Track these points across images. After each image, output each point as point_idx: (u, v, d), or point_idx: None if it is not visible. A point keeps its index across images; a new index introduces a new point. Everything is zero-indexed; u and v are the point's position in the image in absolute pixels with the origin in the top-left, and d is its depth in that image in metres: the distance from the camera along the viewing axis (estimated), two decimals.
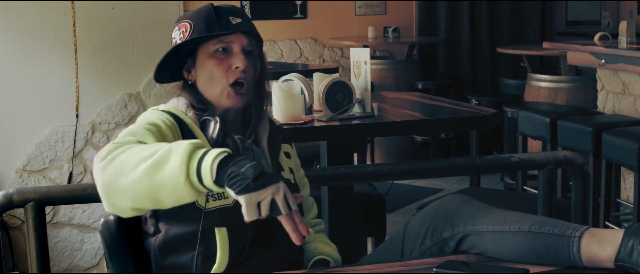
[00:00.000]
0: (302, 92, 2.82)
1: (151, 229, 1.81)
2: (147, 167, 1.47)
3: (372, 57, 6.92)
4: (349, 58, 4.49)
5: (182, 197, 1.48)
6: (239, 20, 1.82)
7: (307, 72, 3.68)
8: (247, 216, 1.45)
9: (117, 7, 3.73)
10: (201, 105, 1.83)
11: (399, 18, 7.24)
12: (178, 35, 1.84)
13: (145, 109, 3.80)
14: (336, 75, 2.94)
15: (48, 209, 3.61)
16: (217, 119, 1.79)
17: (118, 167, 1.50)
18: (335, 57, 7.13)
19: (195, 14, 1.84)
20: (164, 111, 1.81)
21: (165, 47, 1.90)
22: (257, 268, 1.76)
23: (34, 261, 2.11)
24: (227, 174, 1.44)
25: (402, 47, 7.10)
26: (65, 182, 3.77)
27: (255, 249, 1.77)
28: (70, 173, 3.78)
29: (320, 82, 2.82)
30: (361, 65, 2.90)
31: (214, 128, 1.79)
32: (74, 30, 3.69)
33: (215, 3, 1.88)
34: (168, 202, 1.50)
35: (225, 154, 1.47)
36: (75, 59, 3.68)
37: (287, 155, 1.98)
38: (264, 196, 1.44)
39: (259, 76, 1.87)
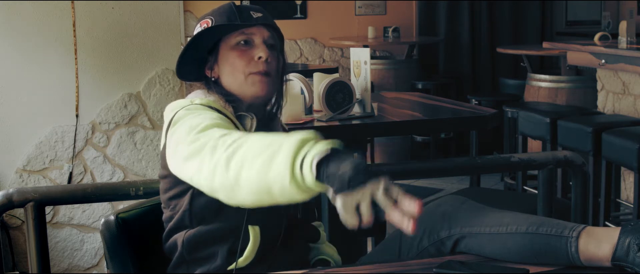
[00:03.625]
0: (302, 92, 2.82)
1: (182, 223, 1.78)
2: (262, 163, 1.38)
3: (372, 57, 6.92)
4: (349, 58, 4.49)
5: (293, 196, 1.38)
6: (259, 14, 1.83)
7: (307, 72, 3.68)
8: (346, 221, 1.32)
9: (117, 7, 3.73)
10: (231, 98, 1.81)
11: (399, 18, 7.23)
12: (199, 31, 1.84)
13: (145, 109, 3.80)
14: (336, 75, 2.94)
15: (48, 209, 3.61)
16: (253, 115, 1.79)
17: (242, 157, 1.41)
18: (335, 57, 7.13)
19: (217, 10, 1.85)
20: (207, 106, 1.74)
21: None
22: (274, 267, 1.76)
23: (34, 261, 2.11)
24: (325, 175, 1.33)
25: (402, 47, 7.10)
26: (65, 182, 3.77)
27: (279, 248, 1.79)
28: (70, 173, 3.79)
29: (320, 82, 2.82)
30: (361, 65, 2.90)
31: (251, 124, 1.78)
32: (74, 30, 3.69)
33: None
34: (282, 200, 1.40)
35: (328, 151, 1.35)
36: (75, 59, 3.68)
37: None
38: (362, 197, 1.31)
39: (281, 70, 1.86)
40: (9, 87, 3.65)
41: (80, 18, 3.70)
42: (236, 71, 1.81)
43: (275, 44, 1.84)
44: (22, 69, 3.65)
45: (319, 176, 1.33)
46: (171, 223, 1.81)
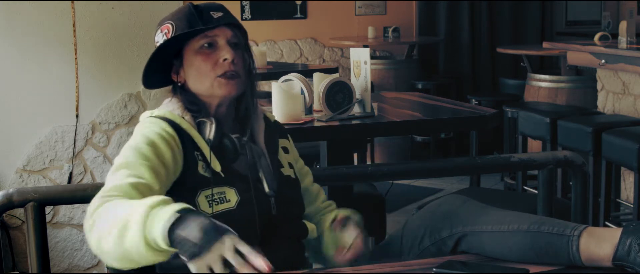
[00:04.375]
0: (302, 92, 2.82)
1: None
2: (117, 234, 1.44)
3: (372, 57, 6.92)
4: (349, 58, 4.49)
5: (154, 259, 1.44)
6: (220, 14, 1.81)
7: (307, 72, 3.68)
8: None
9: (117, 7, 3.73)
10: (194, 106, 1.82)
11: (399, 18, 7.23)
12: (161, 37, 1.83)
13: (145, 109, 3.80)
14: (336, 75, 2.94)
15: (48, 209, 3.61)
16: (212, 120, 1.78)
17: (99, 231, 1.48)
18: (335, 57, 7.12)
19: (176, 13, 1.84)
20: (160, 118, 1.79)
21: None
22: None
23: (34, 261, 2.11)
24: (176, 241, 1.38)
25: (402, 47, 7.10)
26: (65, 182, 3.77)
27: (260, 249, 1.77)
28: (70, 173, 3.79)
29: (320, 82, 2.82)
30: (361, 65, 2.90)
31: (210, 129, 1.77)
32: (74, 30, 3.69)
33: (195, 2, 1.87)
34: (145, 263, 1.46)
35: (176, 216, 1.40)
36: (75, 59, 3.68)
37: (285, 150, 1.97)
38: (212, 259, 1.36)
39: (248, 67, 1.85)
40: (9, 87, 3.65)
41: (80, 18, 3.70)
42: (202, 76, 1.80)
43: (239, 41, 1.83)
44: (22, 69, 3.64)
45: (172, 243, 1.39)
46: None
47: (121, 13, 3.72)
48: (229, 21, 1.82)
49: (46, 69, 3.62)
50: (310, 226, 1.92)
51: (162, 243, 1.40)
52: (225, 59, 1.79)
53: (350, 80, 2.87)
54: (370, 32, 6.80)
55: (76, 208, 3.84)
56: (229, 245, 1.37)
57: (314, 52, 7.05)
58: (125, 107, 3.79)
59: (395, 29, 6.80)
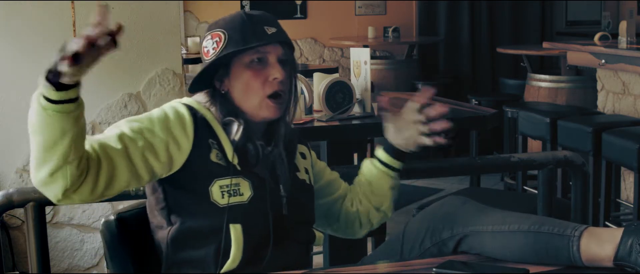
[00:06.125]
0: (302, 92, 2.82)
1: (163, 223, 1.79)
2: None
3: (372, 57, 6.91)
4: (349, 58, 4.49)
5: (49, 109, 1.55)
6: (273, 29, 1.80)
7: (307, 72, 3.67)
8: None
9: (117, 7, 3.73)
10: (237, 113, 1.79)
11: (399, 18, 7.23)
12: (211, 45, 1.80)
13: (145, 109, 3.80)
14: (336, 75, 2.94)
15: (48, 209, 3.61)
16: (242, 121, 1.76)
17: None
18: (335, 57, 7.12)
19: (229, 23, 1.80)
20: (181, 103, 1.79)
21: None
22: (269, 268, 1.76)
23: (34, 261, 2.11)
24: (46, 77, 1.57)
25: (402, 47, 7.10)
26: None
27: (269, 248, 1.77)
28: None
29: (320, 82, 2.82)
30: (361, 65, 2.90)
31: (237, 130, 1.75)
32: (74, 30, 3.69)
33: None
34: (50, 126, 1.55)
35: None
36: None
37: (303, 155, 1.96)
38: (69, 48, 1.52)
39: (294, 85, 1.85)
40: (9, 87, 3.65)
41: (80, 18, 3.69)
42: (251, 92, 1.78)
43: (288, 59, 1.83)
44: (22, 69, 3.64)
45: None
46: (154, 221, 1.82)
47: (121, 13, 3.72)
48: (282, 39, 1.81)
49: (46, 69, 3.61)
50: (318, 234, 1.93)
51: (42, 83, 1.53)
52: (275, 78, 1.77)
53: (350, 80, 2.88)
54: (370, 32, 6.80)
55: (76, 207, 3.84)
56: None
57: (314, 52, 7.05)
58: (125, 107, 3.79)
59: (395, 29, 6.80)
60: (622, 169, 4.39)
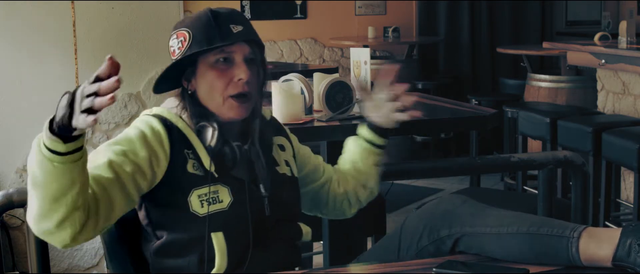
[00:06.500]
0: (302, 92, 2.82)
1: (150, 236, 1.79)
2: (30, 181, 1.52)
3: (372, 57, 6.90)
4: (349, 58, 4.49)
5: (50, 159, 1.49)
6: (240, 28, 1.75)
7: (307, 72, 3.67)
8: None
9: (117, 7, 3.73)
10: (202, 118, 1.77)
11: (399, 18, 7.23)
12: (176, 44, 1.78)
13: (145, 108, 3.81)
14: (336, 75, 2.94)
15: None
16: (215, 126, 1.74)
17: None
18: (335, 57, 7.12)
19: (194, 22, 1.77)
20: (153, 115, 1.76)
21: (165, 48, 1.89)
22: (255, 270, 1.75)
23: (34, 261, 2.11)
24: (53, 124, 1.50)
25: (402, 47, 7.10)
26: None
27: (253, 252, 1.76)
28: None
29: (320, 82, 2.82)
30: (361, 65, 2.90)
31: (212, 136, 1.73)
32: (74, 30, 3.69)
33: (214, 6, 1.83)
34: (50, 176, 1.50)
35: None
36: (75, 59, 3.68)
37: (281, 147, 1.92)
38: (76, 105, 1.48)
39: (261, 85, 1.82)
40: (9, 87, 3.65)
41: (80, 18, 3.70)
42: (214, 92, 1.75)
43: (256, 57, 1.79)
44: (22, 69, 3.64)
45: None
46: (144, 232, 1.82)
47: (121, 13, 3.72)
48: (248, 37, 1.77)
49: (46, 69, 3.62)
50: (305, 228, 1.91)
51: (47, 136, 1.48)
52: (240, 79, 1.74)
53: (350, 80, 2.87)
54: (370, 32, 6.80)
55: None
56: (81, 87, 1.44)
57: (314, 52, 7.05)
58: (125, 107, 3.79)
59: (395, 29, 6.80)
60: (622, 169, 4.39)
